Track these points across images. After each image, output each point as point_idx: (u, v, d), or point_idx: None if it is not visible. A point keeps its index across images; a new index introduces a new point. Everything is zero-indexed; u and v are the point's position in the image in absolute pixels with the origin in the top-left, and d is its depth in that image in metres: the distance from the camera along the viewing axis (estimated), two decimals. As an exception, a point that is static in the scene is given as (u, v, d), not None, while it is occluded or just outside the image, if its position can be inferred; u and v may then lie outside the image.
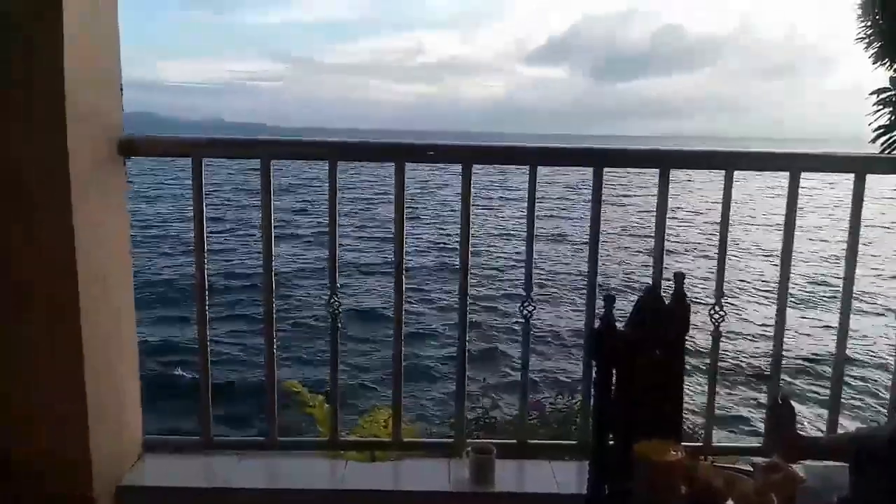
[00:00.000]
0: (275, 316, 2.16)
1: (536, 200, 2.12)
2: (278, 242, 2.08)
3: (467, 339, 2.22)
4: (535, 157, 2.06)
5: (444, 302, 13.12)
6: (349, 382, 8.56)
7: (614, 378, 1.82)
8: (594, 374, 1.82)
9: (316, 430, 2.99)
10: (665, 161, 2.10)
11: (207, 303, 2.12)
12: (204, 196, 2.04)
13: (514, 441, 2.27)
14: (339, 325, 2.16)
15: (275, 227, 2.12)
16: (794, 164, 2.08)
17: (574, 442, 2.33)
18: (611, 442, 1.85)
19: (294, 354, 9.96)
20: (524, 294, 2.16)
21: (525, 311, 2.16)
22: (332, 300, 2.13)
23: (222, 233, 21.02)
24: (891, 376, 2.39)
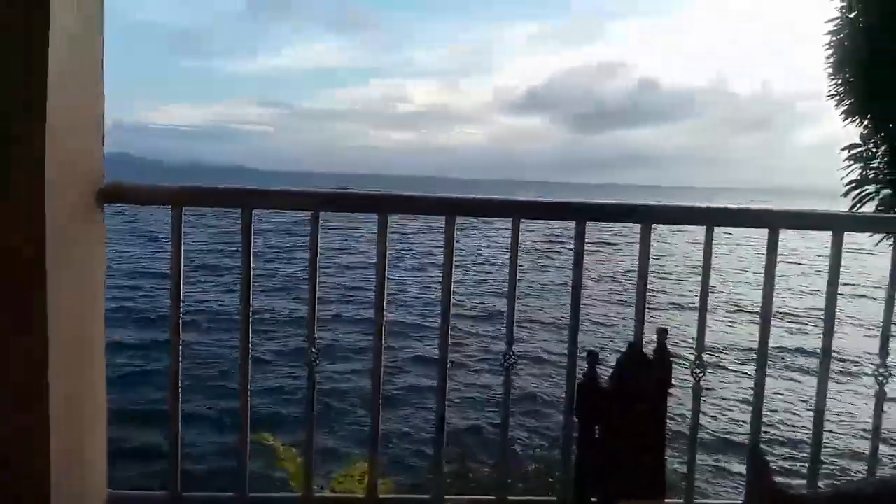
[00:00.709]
0: (250, 362, 2.11)
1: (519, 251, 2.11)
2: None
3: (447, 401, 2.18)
4: (517, 210, 2.06)
5: (425, 350, 12.96)
6: (328, 436, 8.33)
7: (596, 434, 1.80)
8: (576, 430, 1.79)
9: (289, 485, 2.91)
10: (647, 216, 2.12)
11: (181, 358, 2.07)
12: (183, 247, 2.01)
13: (493, 497, 2.22)
14: (316, 376, 2.12)
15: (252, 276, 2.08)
16: (774, 222, 2.10)
17: (554, 498, 2.29)
18: (593, 500, 1.82)
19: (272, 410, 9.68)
20: (506, 347, 2.13)
21: (507, 364, 2.13)
22: (310, 352, 2.08)
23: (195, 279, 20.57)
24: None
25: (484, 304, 17.60)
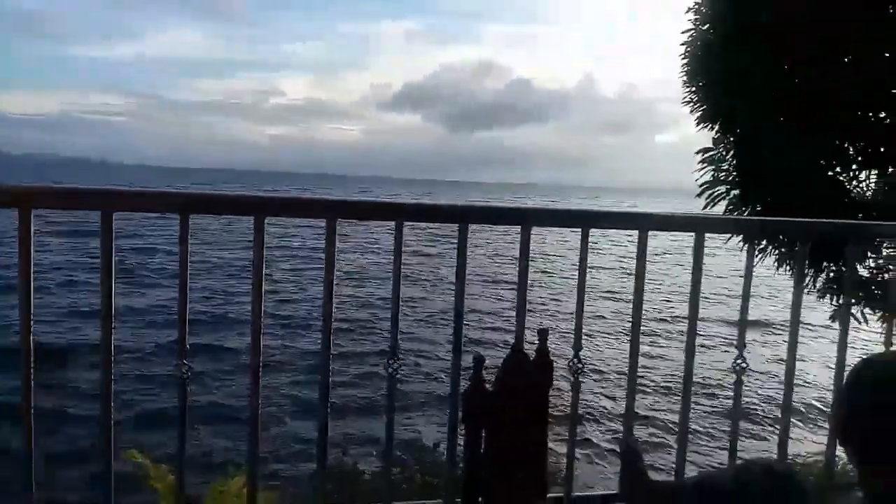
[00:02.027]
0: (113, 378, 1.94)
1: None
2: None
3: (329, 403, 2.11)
4: (401, 213, 2.03)
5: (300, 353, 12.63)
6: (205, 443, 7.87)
7: (482, 435, 1.82)
8: (461, 433, 1.79)
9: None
10: (527, 218, 2.15)
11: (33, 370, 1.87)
12: (33, 251, 1.81)
13: (379, 503, 2.19)
14: (189, 390, 1.99)
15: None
16: (643, 224, 2.21)
17: (440, 501, 2.29)
18: (479, 500, 1.84)
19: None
20: (390, 351, 2.10)
21: (391, 370, 2.10)
22: (182, 365, 1.95)
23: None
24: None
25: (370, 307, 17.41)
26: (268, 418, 8.81)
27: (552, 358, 2.02)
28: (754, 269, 2.36)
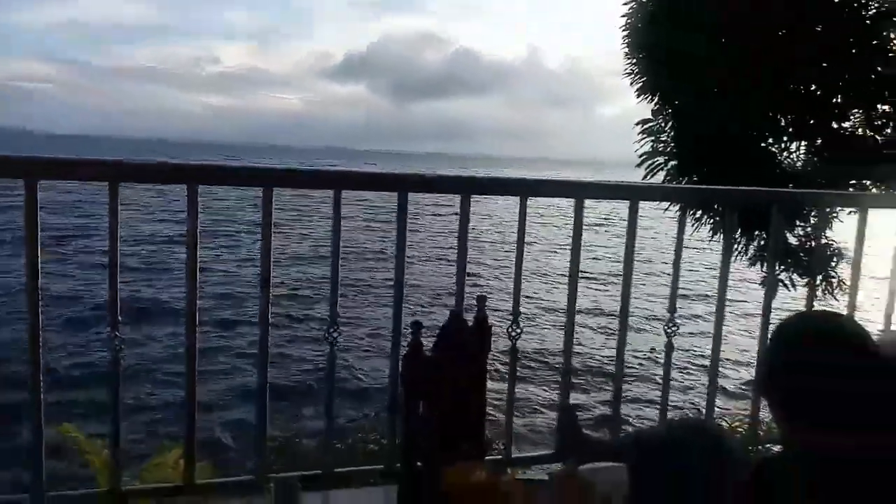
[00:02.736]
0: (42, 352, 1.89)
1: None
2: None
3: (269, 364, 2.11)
4: (338, 181, 2.02)
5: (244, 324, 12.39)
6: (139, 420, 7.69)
7: (420, 401, 1.85)
8: (400, 398, 1.82)
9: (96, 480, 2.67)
10: (466, 187, 2.17)
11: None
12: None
13: (320, 471, 2.20)
14: (122, 361, 1.95)
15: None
16: (579, 193, 2.25)
17: (381, 466, 2.32)
18: (418, 464, 1.87)
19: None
20: (329, 319, 2.10)
21: (331, 338, 2.10)
22: (114, 337, 1.91)
23: None
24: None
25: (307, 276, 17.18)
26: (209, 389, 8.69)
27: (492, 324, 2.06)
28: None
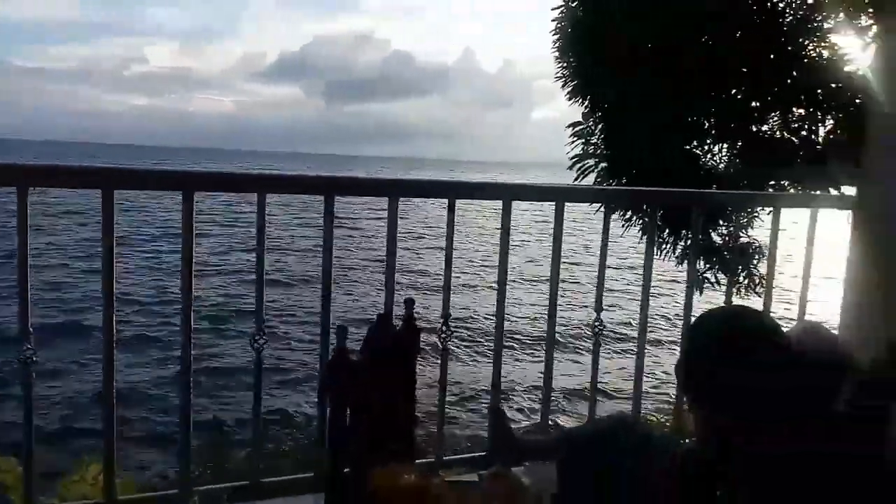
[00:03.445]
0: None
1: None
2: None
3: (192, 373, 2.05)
4: (262, 185, 1.98)
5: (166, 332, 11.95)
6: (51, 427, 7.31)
7: (347, 406, 1.82)
8: (328, 405, 1.79)
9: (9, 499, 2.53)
10: (394, 190, 2.16)
11: None
12: None
13: (247, 482, 2.15)
14: (33, 374, 1.86)
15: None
16: (507, 193, 2.28)
17: (311, 475, 2.28)
18: (346, 471, 1.85)
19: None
20: (255, 328, 2.06)
21: (257, 346, 2.06)
22: (25, 348, 1.83)
23: None
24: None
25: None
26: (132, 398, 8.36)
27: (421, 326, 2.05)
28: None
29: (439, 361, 2.29)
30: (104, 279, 1.88)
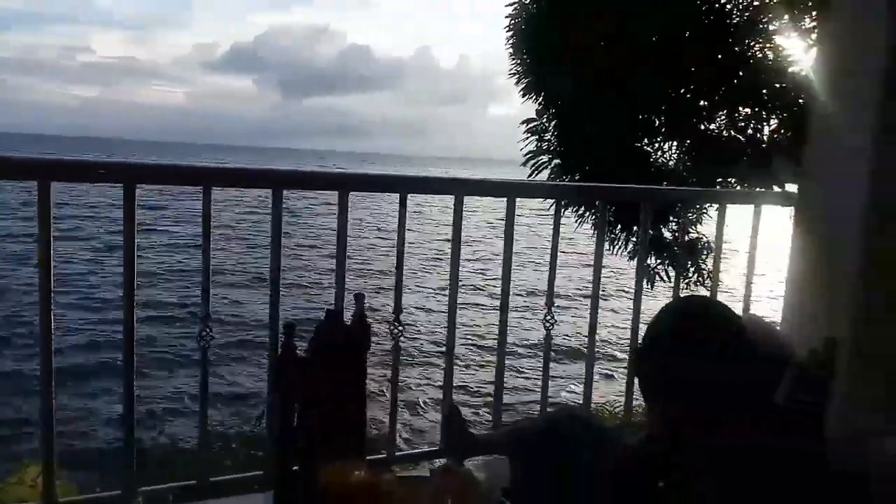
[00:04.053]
0: None
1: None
2: None
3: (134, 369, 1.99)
4: (207, 178, 1.93)
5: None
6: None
7: (296, 403, 1.80)
8: (276, 402, 1.77)
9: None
10: (345, 185, 2.14)
11: None
12: None
13: (194, 482, 2.11)
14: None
15: None
16: (458, 189, 2.27)
17: (260, 473, 2.25)
18: (294, 468, 1.83)
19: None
20: (201, 318, 2.01)
21: (203, 343, 2.01)
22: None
23: None
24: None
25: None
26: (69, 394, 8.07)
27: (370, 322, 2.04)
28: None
29: (391, 358, 2.29)
30: (41, 275, 1.82)
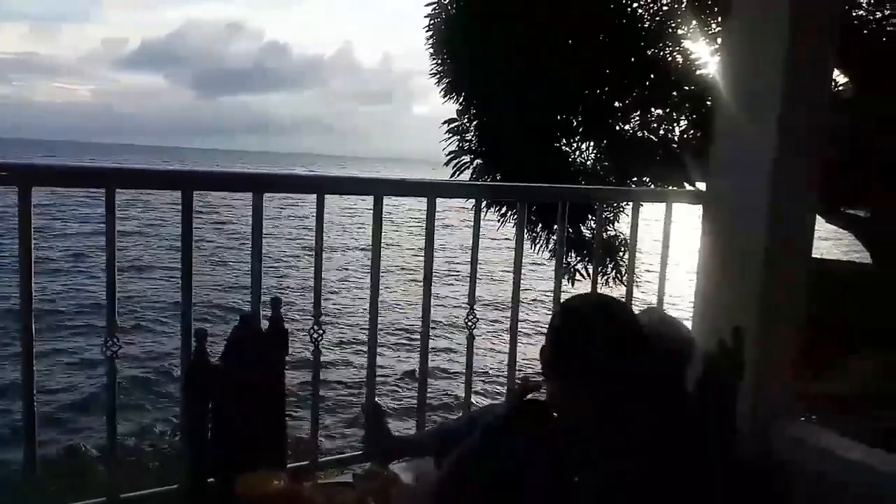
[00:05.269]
0: None
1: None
2: None
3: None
4: (111, 179, 1.84)
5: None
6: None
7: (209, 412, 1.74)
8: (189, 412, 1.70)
9: None
10: (259, 185, 2.07)
11: None
12: None
13: (104, 498, 1.99)
14: None
15: None
16: (377, 189, 2.24)
17: (174, 486, 2.15)
18: (210, 480, 1.76)
19: None
20: (106, 330, 1.91)
21: (109, 352, 1.91)
22: None
23: None
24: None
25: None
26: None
27: (287, 326, 1.99)
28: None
29: (312, 362, 2.23)
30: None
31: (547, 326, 1.55)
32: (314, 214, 2.13)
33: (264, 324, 1.88)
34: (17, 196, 1.75)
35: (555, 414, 1.47)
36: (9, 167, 1.82)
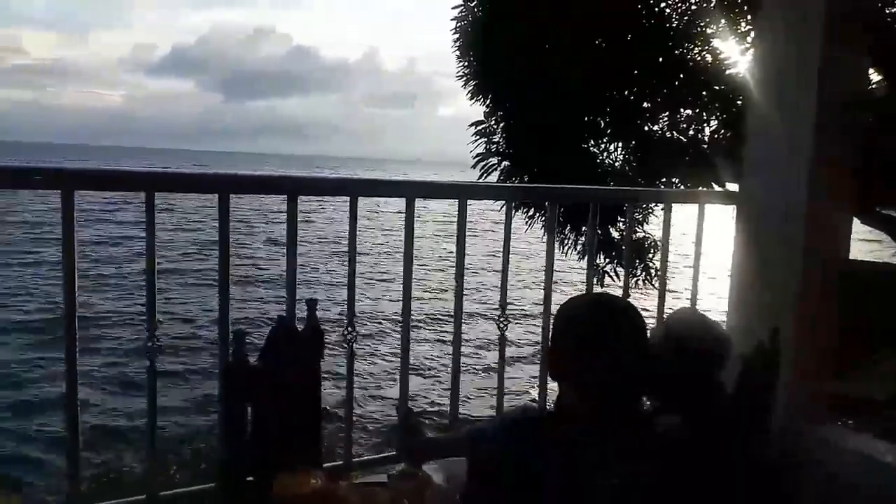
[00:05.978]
0: None
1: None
2: None
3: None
4: (147, 183, 1.88)
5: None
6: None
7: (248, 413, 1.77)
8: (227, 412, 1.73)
9: None
10: (294, 188, 2.10)
11: None
12: None
13: (143, 496, 2.04)
14: None
15: None
16: (409, 192, 2.26)
17: (213, 485, 2.19)
18: (249, 479, 1.79)
19: None
20: (148, 333, 1.95)
21: (149, 353, 1.95)
22: None
23: None
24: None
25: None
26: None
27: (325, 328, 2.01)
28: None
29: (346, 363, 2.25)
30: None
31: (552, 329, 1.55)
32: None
33: (300, 325, 1.90)
34: (60, 200, 1.80)
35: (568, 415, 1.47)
36: (52, 171, 1.88)
